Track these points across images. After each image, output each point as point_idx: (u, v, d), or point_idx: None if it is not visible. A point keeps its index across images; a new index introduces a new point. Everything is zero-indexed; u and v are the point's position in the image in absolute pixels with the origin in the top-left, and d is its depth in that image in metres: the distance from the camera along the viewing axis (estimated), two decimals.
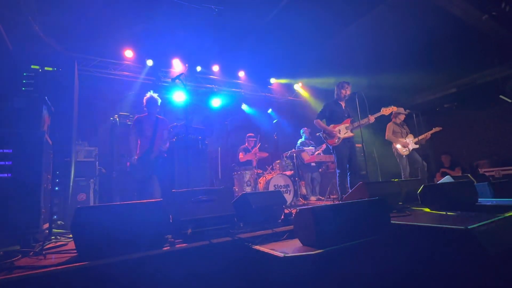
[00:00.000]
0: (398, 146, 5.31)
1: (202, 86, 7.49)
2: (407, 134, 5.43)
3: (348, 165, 4.19)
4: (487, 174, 5.19)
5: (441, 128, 5.38)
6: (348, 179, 4.15)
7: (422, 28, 6.02)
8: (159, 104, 4.21)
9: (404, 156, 5.24)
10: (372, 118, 4.26)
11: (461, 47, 6.46)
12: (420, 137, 5.26)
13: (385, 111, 4.38)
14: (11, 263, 1.64)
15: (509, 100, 5.51)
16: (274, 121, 7.84)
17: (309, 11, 5.60)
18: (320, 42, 6.74)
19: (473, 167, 6.08)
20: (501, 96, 5.55)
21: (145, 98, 4.22)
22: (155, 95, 4.19)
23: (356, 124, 4.24)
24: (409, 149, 5.25)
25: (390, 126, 5.49)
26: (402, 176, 5.28)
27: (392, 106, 4.44)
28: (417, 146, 5.28)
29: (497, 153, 6.41)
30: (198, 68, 7.22)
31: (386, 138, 5.46)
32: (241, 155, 6.19)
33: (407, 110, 5.42)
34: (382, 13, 5.59)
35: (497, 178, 5.20)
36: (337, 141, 4.21)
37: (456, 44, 6.42)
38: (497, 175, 5.26)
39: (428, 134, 5.30)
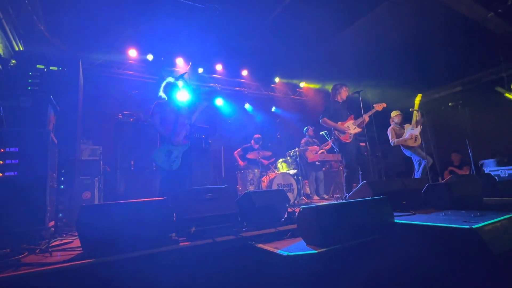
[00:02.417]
0: (408, 140, 5.12)
1: (205, 85, 7.50)
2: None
3: (357, 163, 4.16)
4: (492, 173, 5.14)
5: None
6: (360, 177, 4.12)
7: (427, 25, 5.97)
8: (180, 89, 3.82)
9: (414, 146, 5.09)
10: (379, 107, 4.37)
11: (466, 45, 6.39)
12: (413, 122, 5.14)
13: (378, 107, 4.40)
14: (17, 260, 1.66)
15: (504, 92, 5.46)
16: (278, 120, 7.84)
17: (312, 9, 5.57)
18: (323, 40, 6.71)
19: (478, 166, 6.03)
20: (496, 88, 5.50)
21: (163, 84, 3.87)
22: (173, 80, 3.84)
23: (360, 119, 4.25)
24: (417, 137, 5.08)
25: (391, 130, 5.46)
26: (425, 165, 4.99)
27: (383, 103, 4.45)
28: (419, 133, 5.10)
29: (502, 152, 6.35)
30: (200, 70, 7.23)
31: (392, 144, 5.34)
32: (239, 160, 6.23)
33: (410, 110, 5.39)
34: (386, 11, 5.54)
35: (502, 177, 5.15)
36: (350, 137, 4.19)
37: (461, 42, 6.36)
38: (502, 175, 5.21)
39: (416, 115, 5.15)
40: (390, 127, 5.51)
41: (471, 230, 1.62)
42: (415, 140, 5.10)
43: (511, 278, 1.50)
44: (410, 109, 5.42)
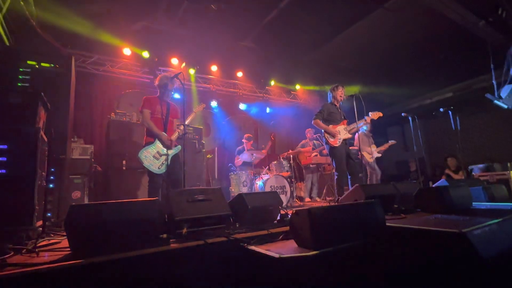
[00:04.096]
0: (365, 154, 5.75)
1: (200, 85, 7.48)
2: (371, 144, 5.94)
3: (347, 167, 4.19)
4: (481, 178, 5.22)
5: (395, 142, 6.08)
6: (349, 181, 4.15)
7: (419, 33, 6.06)
8: (174, 86, 3.69)
9: (369, 162, 5.80)
10: (375, 116, 4.52)
11: (457, 53, 6.52)
12: (381, 148, 5.98)
13: (373, 115, 4.57)
14: (3, 260, 1.61)
15: (494, 100, 5.63)
16: (272, 123, 7.86)
17: (308, 13, 5.61)
18: (318, 44, 6.76)
19: (468, 171, 6.13)
20: (486, 95, 5.70)
21: (159, 76, 3.73)
22: (171, 75, 3.66)
23: (353, 125, 4.28)
24: (373, 157, 5.83)
25: (359, 137, 5.65)
26: (374, 180, 5.71)
27: (379, 112, 4.66)
28: (379, 154, 5.89)
29: (491, 157, 6.47)
30: (191, 71, 7.19)
31: (354, 144, 5.82)
32: (236, 159, 6.19)
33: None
34: (379, 18, 5.61)
35: (491, 183, 5.24)
36: (339, 142, 4.21)
37: (453, 49, 6.48)
38: (491, 180, 5.30)
39: (386, 146, 6.04)
40: (360, 133, 5.65)
41: (461, 234, 1.64)
42: (372, 157, 5.89)
43: (499, 281, 1.52)
44: (403, 114, 5.52)
